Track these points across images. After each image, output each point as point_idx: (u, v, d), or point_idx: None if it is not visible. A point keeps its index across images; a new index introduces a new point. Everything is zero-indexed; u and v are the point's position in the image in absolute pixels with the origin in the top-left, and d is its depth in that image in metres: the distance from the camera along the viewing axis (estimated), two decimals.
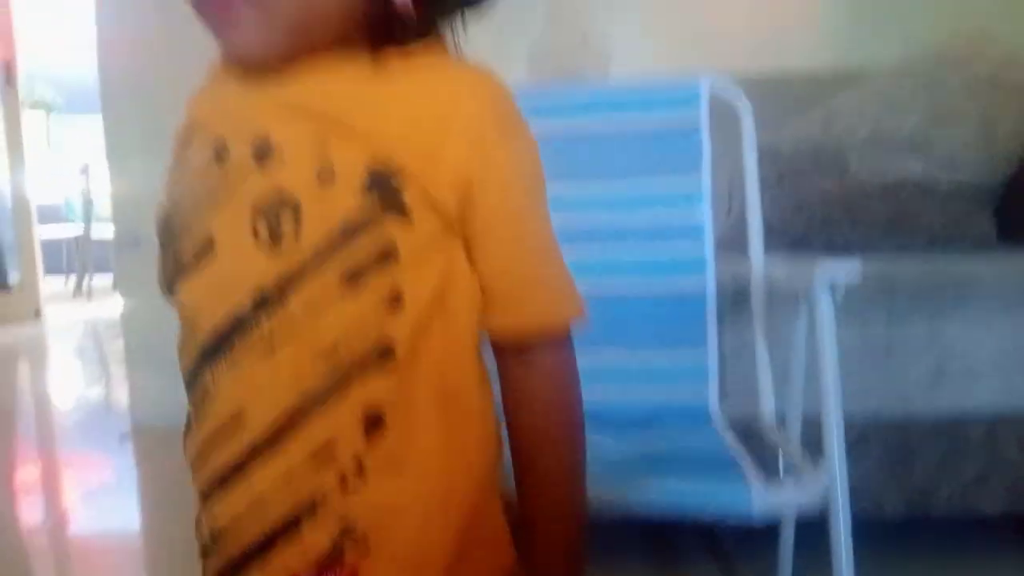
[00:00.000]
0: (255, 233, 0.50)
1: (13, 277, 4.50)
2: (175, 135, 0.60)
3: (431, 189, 0.51)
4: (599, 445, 1.04)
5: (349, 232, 0.49)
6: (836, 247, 1.52)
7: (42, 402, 3.16)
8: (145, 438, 2.37)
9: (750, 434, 1.05)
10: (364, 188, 0.49)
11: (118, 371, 3.84)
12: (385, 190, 0.50)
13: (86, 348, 4.22)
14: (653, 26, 2.10)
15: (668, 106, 1.24)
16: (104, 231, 5.80)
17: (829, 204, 1.57)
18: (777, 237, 1.49)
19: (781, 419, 1.08)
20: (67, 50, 6.20)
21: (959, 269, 1.29)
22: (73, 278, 5.72)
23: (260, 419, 0.51)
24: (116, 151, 2.41)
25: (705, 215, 1.19)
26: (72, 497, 1.99)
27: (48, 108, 5.39)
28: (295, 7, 0.50)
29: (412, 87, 0.52)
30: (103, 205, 5.96)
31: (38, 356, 3.97)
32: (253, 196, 0.51)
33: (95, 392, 3.26)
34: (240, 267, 0.51)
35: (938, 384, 1.25)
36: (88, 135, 6.33)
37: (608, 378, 1.15)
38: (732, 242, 1.29)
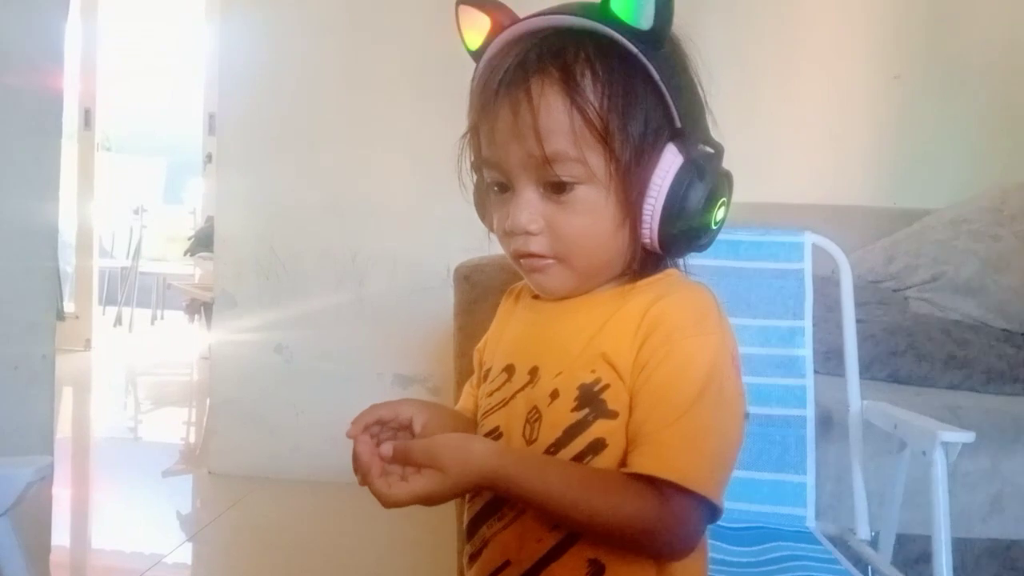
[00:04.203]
0: (523, 434, 0.72)
1: (69, 307, 4.69)
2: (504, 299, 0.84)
3: (627, 384, 0.67)
4: (718, 550, 1.23)
5: (569, 435, 0.68)
6: (900, 379, 1.71)
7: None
8: (225, 485, 2.55)
9: (842, 550, 1.24)
10: (577, 405, 0.68)
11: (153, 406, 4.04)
12: (594, 402, 0.68)
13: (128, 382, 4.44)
14: None
15: (777, 253, 1.45)
16: (147, 266, 6.03)
17: (894, 336, 1.77)
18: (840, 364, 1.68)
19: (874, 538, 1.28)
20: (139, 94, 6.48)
21: (1018, 409, 1.49)
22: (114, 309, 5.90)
23: (519, 568, 0.70)
24: (223, 220, 2.64)
25: (808, 351, 1.39)
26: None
27: (110, 148, 5.62)
28: (588, 263, 0.72)
29: (636, 307, 0.69)
30: (149, 244, 6.21)
31: (84, 385, 4.16)
32: (524, 406, 0.72)
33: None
34: None
35: (995, 511, 1.45)
36: (140, 176, 6.59)
37: None
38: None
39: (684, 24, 0.69)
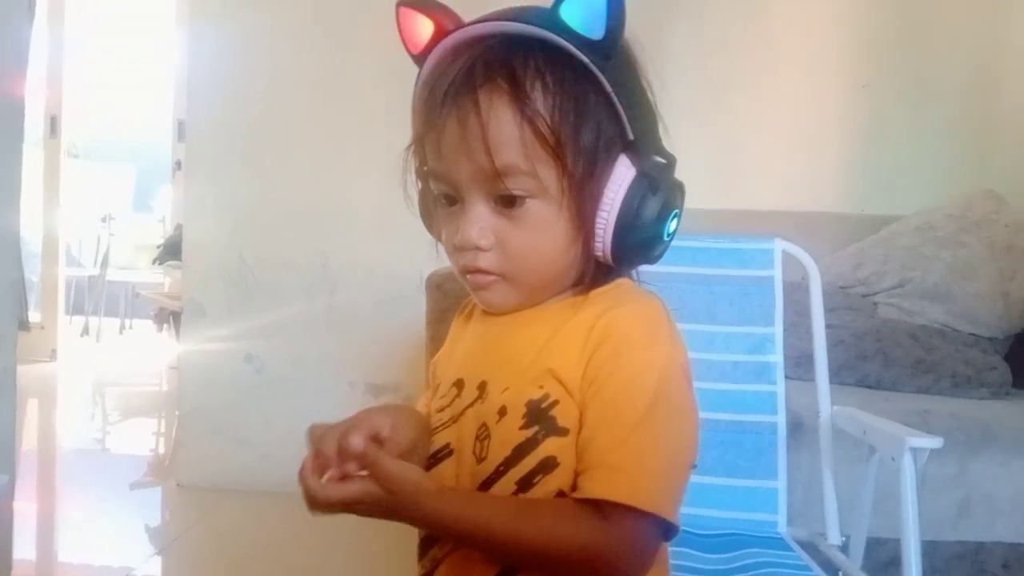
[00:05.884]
0: (474, 451, 0.70)
1: (34, 317, 4.61)
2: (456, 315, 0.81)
3: (577, 400, 0.66)
4: (690, 558, 1.23)
5: (519, 453, 0.66)
6: (869, 384, 1.73)
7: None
8: (194, 497, 2.51)
9: (813, 555, 1.24)
10: (525, 423, 0.66)
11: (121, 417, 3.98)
12: (543, 420, 0.66)
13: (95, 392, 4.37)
14: (692, 163, 2.35)
15: (748, 260, 1.46)
16: (115, 275, 5.95)
17: (862, 341, 1.79)
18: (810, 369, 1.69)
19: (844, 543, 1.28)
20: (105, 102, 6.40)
21: (985, 414, 1.51)
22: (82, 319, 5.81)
23: None
24: (192, 228, 2.60)
25: (778, 357, 1.40)
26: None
27: (78, 155, 5.55)
28: (534, 279, 0.70)
29: (584, 320, 0.68)
30: (117, 252, 6.11)
31: (50, 396, 4.09)
32: (474, 423, 0.70)
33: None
34: (462, 470, 0.71)
35: (963, 514, 1.46)
36: (108, 183, 6.50)
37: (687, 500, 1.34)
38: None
39: (651, 29, 0.68)
